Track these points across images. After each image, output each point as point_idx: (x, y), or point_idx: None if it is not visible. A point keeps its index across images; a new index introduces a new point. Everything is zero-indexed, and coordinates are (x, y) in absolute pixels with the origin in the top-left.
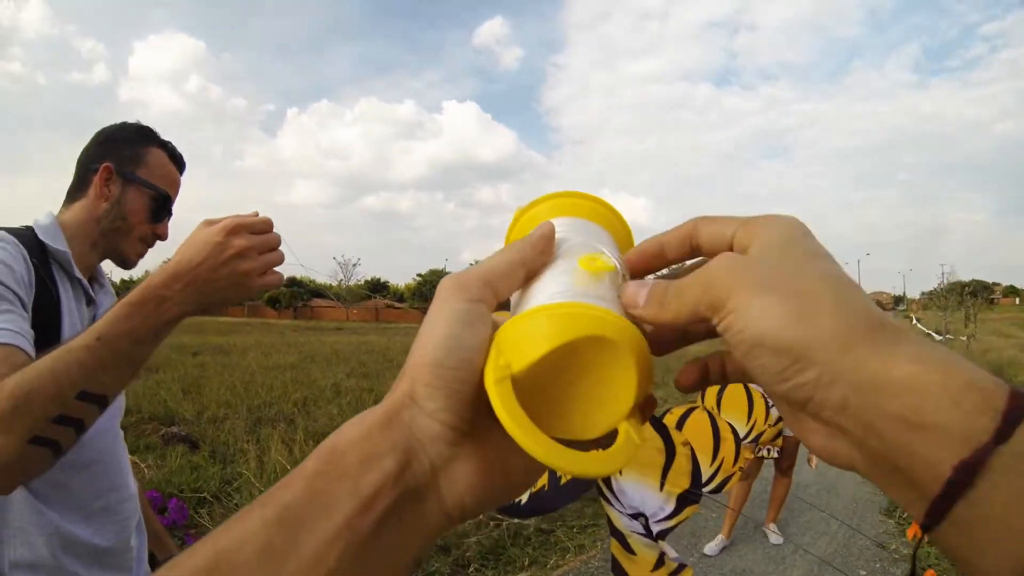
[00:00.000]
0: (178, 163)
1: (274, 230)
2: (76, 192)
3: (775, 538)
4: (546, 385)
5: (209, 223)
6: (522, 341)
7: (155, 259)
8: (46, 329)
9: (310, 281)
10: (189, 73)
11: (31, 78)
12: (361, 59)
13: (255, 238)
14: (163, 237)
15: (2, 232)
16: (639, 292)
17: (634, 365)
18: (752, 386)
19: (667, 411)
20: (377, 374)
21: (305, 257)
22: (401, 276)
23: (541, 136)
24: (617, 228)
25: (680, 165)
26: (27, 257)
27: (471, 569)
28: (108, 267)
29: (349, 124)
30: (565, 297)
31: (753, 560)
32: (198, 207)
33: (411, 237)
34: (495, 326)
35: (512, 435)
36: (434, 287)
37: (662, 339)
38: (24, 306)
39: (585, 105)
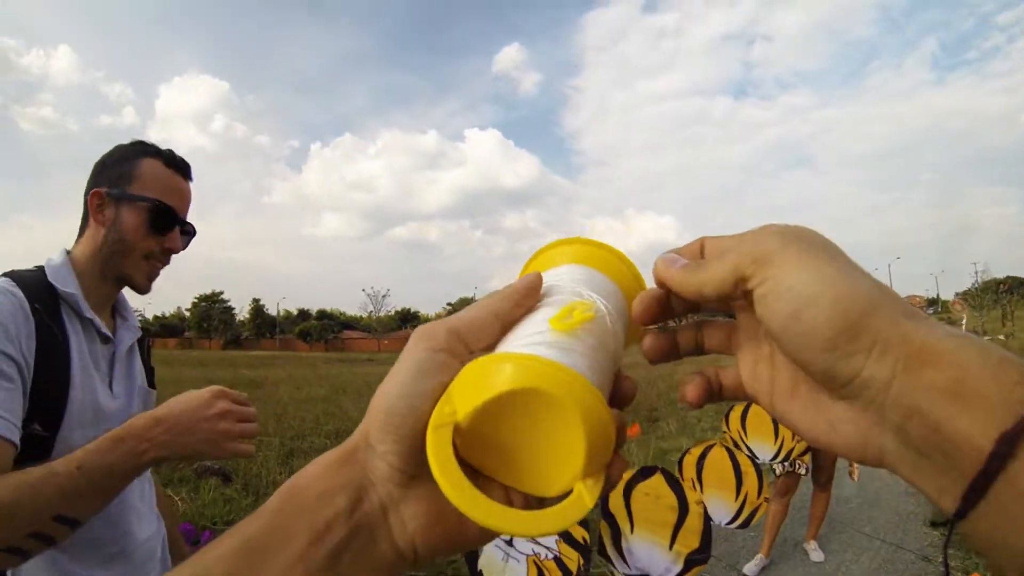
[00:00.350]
0: (179, 168)
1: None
2: (82, 226)
3: (816, 555)
4: (498, 438)
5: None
6: (468, 389)
7: (183, 287)
8: (55, 378)
9: (340, 313)
10: (214, 113)
11: (62, 123)
12: (381, 92)
13: (235, 406)
14: (175, 249)
15: (3, 281)
16: (675, 259)
17: (581, 424)
18: None
19: (686, 452)
20: None
21: (334, 289)
22: (431, 305)
23: (564, 159)
24: (625, 276)
25: (703, 180)
26: (26, 307)
27: None
28: (141, 301)
29: (372, 157)
30: (523, 348)
31: None
32: (229, 244)
33: (440, 266)
34: None
35: (440, 487)
36: None
37: (664, 346)
38: (18, 365)
39: (606, 126)
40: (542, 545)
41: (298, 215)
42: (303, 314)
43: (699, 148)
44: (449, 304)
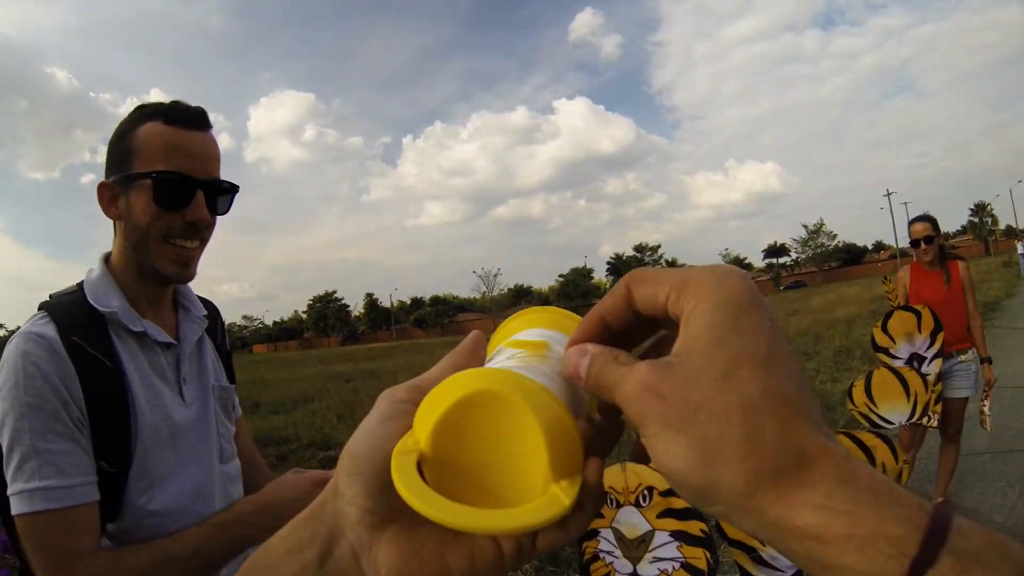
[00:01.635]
0: (185, 120)
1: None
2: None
3: None
4: (463, 460)
5: (298, 472)
6: (426, 415)
7: (298, 291)
8: (113, 410)
9: (453, 297)
10: (304, 124)
11: None
12: (464, 77)
13: None
14: (201, 220)
15: (33, 330)
16: (580, 361)
17: (535, 420)
18: (898, 366)
19: (852, 384)
20: None
21: (445, 275)
22: (544, 279)
23: (657, 118)
24: (566, 325)
25: (802, 121)
26: (59, 347)
27: None
28: (260, 309)
29: (465, 141)
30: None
31: None
32: (336, 245)
33: (547, 239)
34: None
35: (406, 501)
36: (577, 285)
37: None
38: (71, 417)
39: (695, 78)
40: (665, 559)
41: (400, 208)
42: (416, 302)
43: (793, 88)
44: (561, 276)
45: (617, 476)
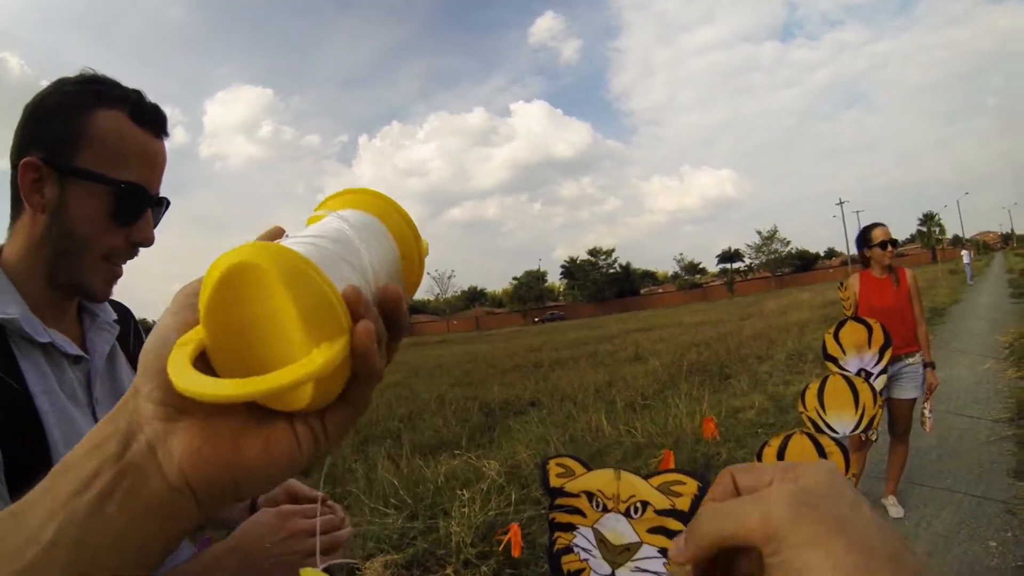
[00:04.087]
0: (150, 122)
1: (338, 513)
2: (14, 211)
3: (895, 511)
4: (238, 339)
5: (266, 511)
6: (200, 301)
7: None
8: (23, 441)
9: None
10: (260, 120)
11: None
12: (423, 77)
13: (307, 523)
14: (146, 242)
15: None
16: (678, 541)
17: (284, 285)
18: (850, 375)
19: (764, 444)
20: (481, 381)
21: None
22: (498, 282)
23: (615, 122)
24: (386, 211)
25: (757, 130)
26: None
27: None
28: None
29: (422, 141)
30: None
31: None
32: None
33: (502, 242)
34: None
35: (173, 383)
36: (531, 288)
37: None
38: None
39: (653, 85)
40: (648, 571)
41: None
42: None
43: (750, 97)
44: (515, 278)
45: (610, 482)
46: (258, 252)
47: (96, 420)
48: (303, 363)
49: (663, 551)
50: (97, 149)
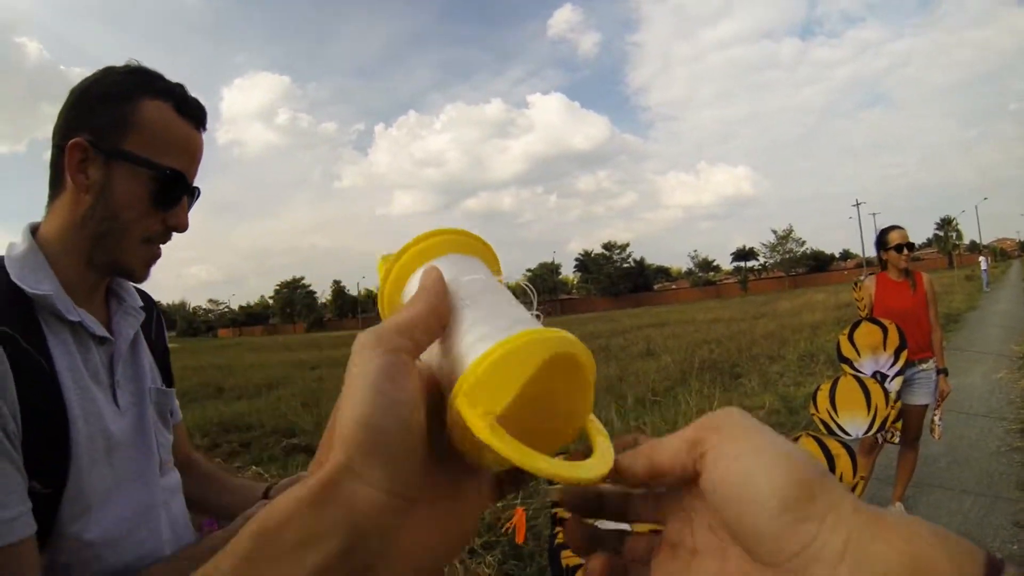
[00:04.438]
0: (192, 115)
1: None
2: (54, 189)
3: None
4: (521, 418)
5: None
6: (494, 382)
7: (265, 276)
8: (47, 419)
9: None
10: (278, 107)
11: None
12: (440, 67)
13: None
14: (181, 228)
15: None
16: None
17: (590, 381)
18: (863, 376)
19: (818, 387)
20: None
21: None
22: (511, 274)
23: (632, 117)
24: (479, 249)
25: (776, 127)
26: None
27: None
28: (226, 293)
29: (439, 132)
30: (512, 329)
31: None
32: (306, 230)
33: (517, 233)
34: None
35: (538, 471)
36: (545, 280)
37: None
38: (5, 432)
39: (671, 79)
40: None
41: (370, 196)
42: None
43: (769, 93)
44: (529, 270)
45: None
46: (575, 345)
47: (116, 401)
48: (607, 453)
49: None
50: (143, 135)
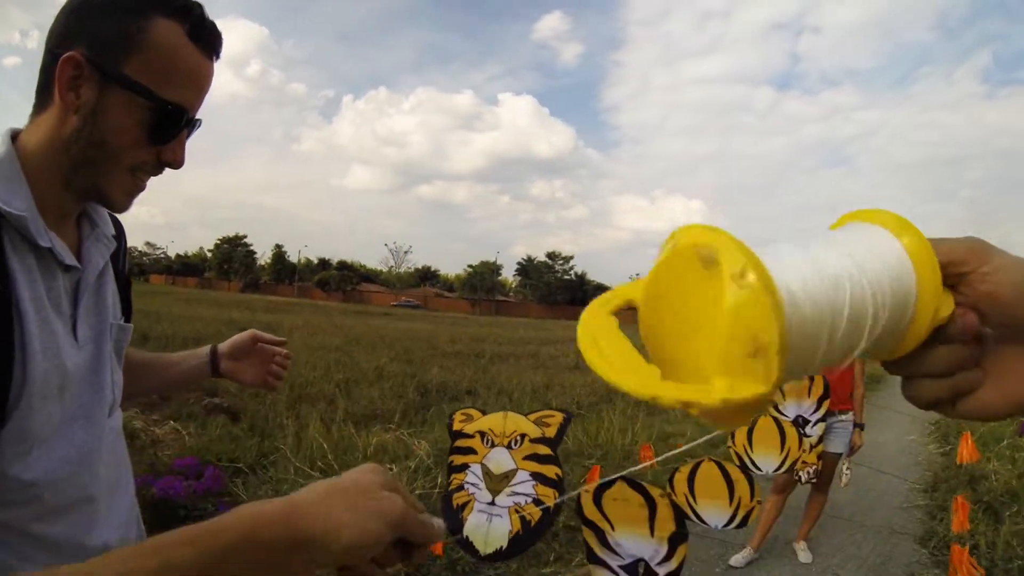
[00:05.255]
0: (207, 42)
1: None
2: (40, 97)
3: (804, 556)
4: (665, 320)
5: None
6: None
7: (207, 227)
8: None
9: (360, 266)
10: (251, 58)
11: None
12: (421, 49)
13: None
14: (176, 164)
15: None
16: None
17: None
18: (782, 419)
19: (675, 470)
20: (421, 361)
21: (357, 241)
22: (452, 266)
23: (599, 133)
24: (927, 273)
25: (738, 169)
26: None
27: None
28: (165, 239)
29: (407, 112)
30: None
31: None
32: (256, 189)
33: (464, 228)
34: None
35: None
36: (484, 279)
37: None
38: None
39: (645, 104)
40: (520, 494)
41: (327, 165)
42: (323, 263)
43: (737, 136)
44: (470, 266)
45: (497, 422)
46: (751, 257)
47: (75, 334)
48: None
49: (534, 475)
50: (148, 59)
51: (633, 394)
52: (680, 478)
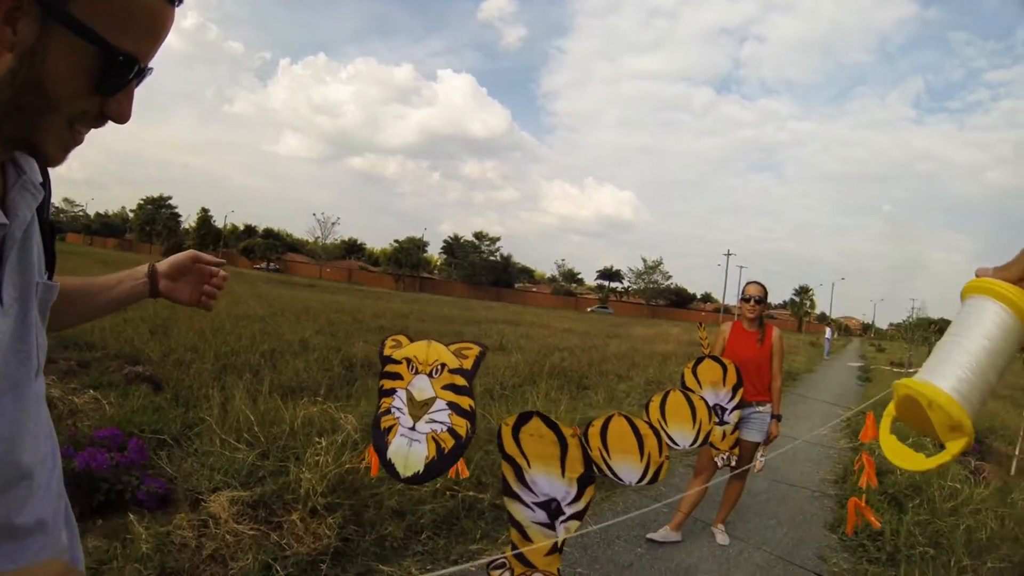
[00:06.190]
0: None
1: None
2: None
3: (721, 538)
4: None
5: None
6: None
7: (130, 186)
8: None
9: (287, 235)
10: (189, 9)
11: None
12: (365, 18)
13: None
14: (121, 119)
15: None
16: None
17: (951, 418)
18: (692, 394)
19: (590, 423)
20: (345, 335)
21: (286, 210)
22: (379, 240)
23: (535, 118)
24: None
25: (671, 165)
26: None
27: (424, 536)
28: (84, 197)
29: (344, 81)
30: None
31: (699, 557)
32: (184, 148)
33: (393, 202)
34: None
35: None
36: (410, 255)
37: None
38: None
39: (583, 93)
40: (437, 422)
41: (259, 130)
42: (249, 230)
43: (673, 133)
44: (397, 241)
45: (422, 349)
46: (953, 406)
47: (0, 296)
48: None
49: (450, 404)
50: (99, 4)
51: (922, 469)
52: (593, 432)
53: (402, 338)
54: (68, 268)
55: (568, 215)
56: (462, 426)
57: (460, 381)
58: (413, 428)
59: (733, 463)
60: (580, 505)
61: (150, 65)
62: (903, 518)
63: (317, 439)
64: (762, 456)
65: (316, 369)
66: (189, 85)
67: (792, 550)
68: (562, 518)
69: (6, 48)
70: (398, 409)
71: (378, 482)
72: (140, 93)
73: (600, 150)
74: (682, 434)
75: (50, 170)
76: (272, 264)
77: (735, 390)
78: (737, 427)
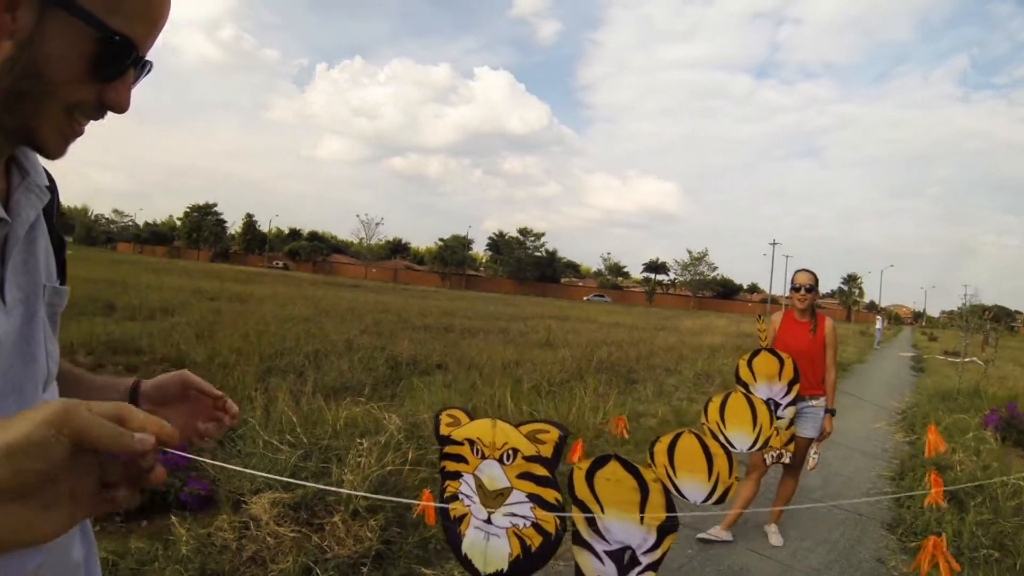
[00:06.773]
0: None
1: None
2: None
3: (775, 539)
4: None
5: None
6: None
7: (176, 195)
8: None
9: (331, 237)
10: (224, 21)
11: None
12: (399, 19)
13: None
14: (119, 107)
15: None
16: None
17: None
18: (753, 397)
19: (656, 440)
20: (391, 333)
21: (328, 212)
22: (423, 239)
23: (573, 112)
24: None
25: (711, 154)
26: None
27: None
28: (133, 207)
29: (381, 84)
30: None
31: (753, 559)
32: (226, 156)
33: (436, 201)
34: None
35: None
36: (455, 253)
37: None
38: None
39: (620, 84)
40: (519, 516)
41: (298, 135)
42: (294, 234)
43: (712, 122)
44: (441, 240)
45: (486, 431)
46: None
47: (3, 296)
48: None
49: (530, 496)
50: None
51: None
52: (660, 449)
53: (458, 413)
54: (120, 276)
55: (611, 208)
56: (549, 522)
57: (540, 471)
58: (488, 520)
59: (787, 460)
60: (657, 554)
61: (149, 58)
62: (965, 518)
63: (359, 440)
64: (816, 453)
65: (360, 369)
66: (228, 95)
67: (849, 551)
68: (637, 569)
69: (6, 36)
70: (467, 496)
71: (421, 484)
72: (183, 105)
73: (640, 141)
74: (741, 437)
75: (98, 181)
76: (278, 263)
77: (791, 385)
78: (792, 422)
